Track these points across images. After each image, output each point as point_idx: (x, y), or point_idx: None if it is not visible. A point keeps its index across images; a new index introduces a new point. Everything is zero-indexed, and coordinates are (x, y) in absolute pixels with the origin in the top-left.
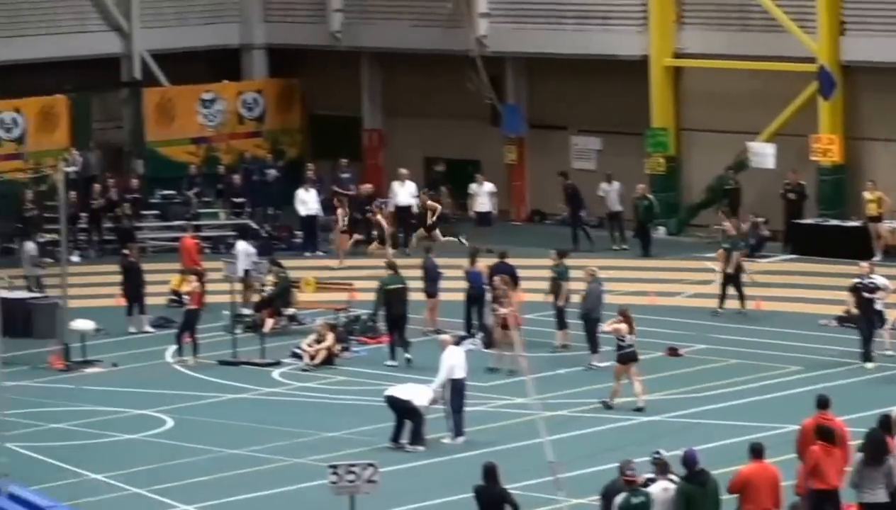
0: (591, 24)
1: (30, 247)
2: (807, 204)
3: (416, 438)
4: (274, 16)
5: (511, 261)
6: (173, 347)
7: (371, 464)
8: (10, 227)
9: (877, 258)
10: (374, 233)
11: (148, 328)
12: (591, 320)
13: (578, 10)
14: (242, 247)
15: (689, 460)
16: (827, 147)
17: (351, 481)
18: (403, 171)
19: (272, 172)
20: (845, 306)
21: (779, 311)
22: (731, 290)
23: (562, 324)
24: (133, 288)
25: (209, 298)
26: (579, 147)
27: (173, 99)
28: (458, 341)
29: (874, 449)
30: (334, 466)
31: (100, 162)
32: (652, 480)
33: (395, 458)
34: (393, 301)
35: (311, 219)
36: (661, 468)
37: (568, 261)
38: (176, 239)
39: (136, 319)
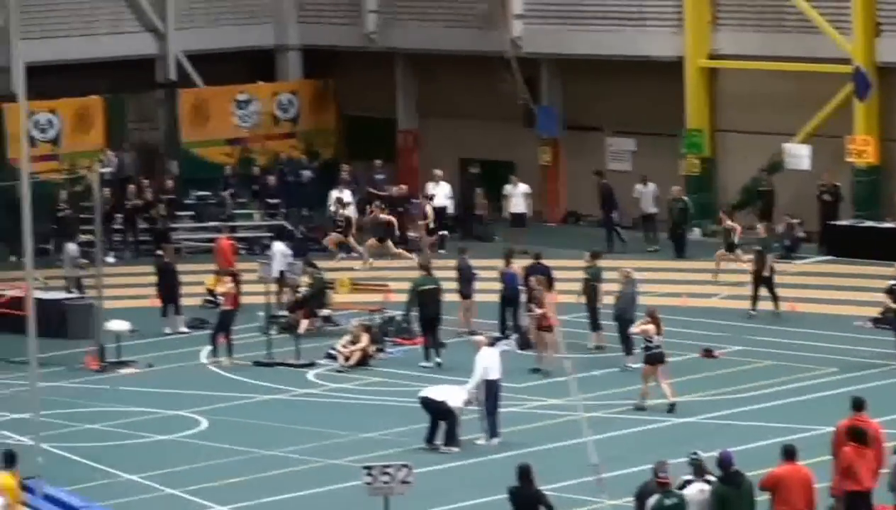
0: (626, 25)
1: (72, 248)
2: (842, 205)
3: (451, 439)
4: (308, 17)
5: (545, 262)
6: (208, 348)
7: (405, 466)
8: (46, 227)
9: None
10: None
11: (183, 329)
12: (624, 321)
13: (613, 11)
14: (279, 247)
15: (724, 461)
16: (862, 148)
17: (385, 482)
18: (438, 172)
19: (307, 173)
20: (883, 307)
21: (814, 313)
22: (763, 292)
23: (595, 326)
24: (168, 289)
25: (244, 299)
26: (614, 148)
27: (208, 100)
28: (492, 342)
29: None
30: (369, 467)
31: (135, 163)
32: (689, 481)
33: (429, 459)
34: (426, 302)
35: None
36: (699, 469)
37: (601, 263)
38: (211, 240)
39: (171, 320)
